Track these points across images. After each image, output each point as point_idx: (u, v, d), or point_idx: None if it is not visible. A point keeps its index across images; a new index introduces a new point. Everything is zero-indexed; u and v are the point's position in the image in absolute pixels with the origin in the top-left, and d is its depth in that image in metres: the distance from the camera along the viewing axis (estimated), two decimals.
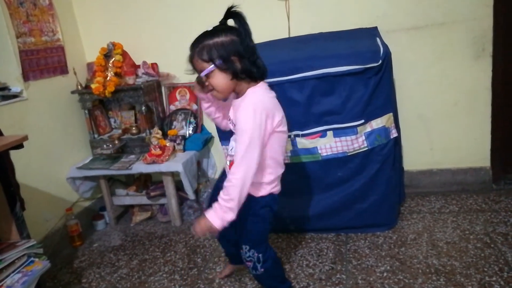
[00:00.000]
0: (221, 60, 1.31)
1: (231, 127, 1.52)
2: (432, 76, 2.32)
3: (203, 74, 1.34)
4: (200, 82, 1.39)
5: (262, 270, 1.55)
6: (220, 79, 1.34)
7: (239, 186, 1.32)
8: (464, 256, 1.85)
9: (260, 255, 1.53)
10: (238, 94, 1.42)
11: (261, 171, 1.43)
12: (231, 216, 1.34)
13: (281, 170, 1.51)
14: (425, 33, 2.26)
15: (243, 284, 1.89)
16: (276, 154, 1.45)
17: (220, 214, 1.34)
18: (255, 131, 1.32)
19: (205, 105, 1.58)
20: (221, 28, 1.34)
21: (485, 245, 1.90)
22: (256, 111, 1.32)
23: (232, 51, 1.32)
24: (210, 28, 1.35)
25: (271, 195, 1.50)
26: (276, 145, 1.43)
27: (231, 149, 1.49)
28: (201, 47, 1.32)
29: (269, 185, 1.49)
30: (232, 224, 1.40)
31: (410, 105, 2.37)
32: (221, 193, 1.35)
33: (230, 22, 1.37)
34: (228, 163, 1.52)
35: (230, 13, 1.34)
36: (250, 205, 1.45)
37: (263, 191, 1.49)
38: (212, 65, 1.31)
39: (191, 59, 1.35)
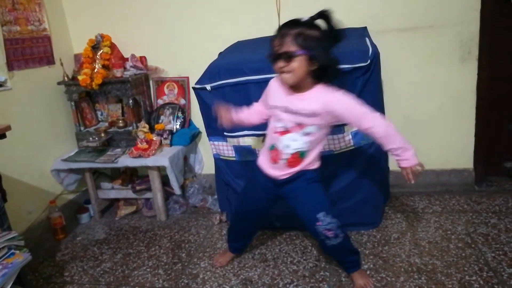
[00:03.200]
0: (313, 52, 1.42)
1: (281, 114, 1.58)
2: (419, 78, 2.35)
3: (298, 52, 1.42)
4: (277, 58, 1.46)
5: (343, 235, 1.66)
6: (302, 67, 1.44)
7: (392, 128, 1.49)
8: (446, 256, 1.88)
9: (336, 219, 1.64)
10: (299, 88, 1.52)
11: (320, 146, 1.63)
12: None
13: None
14: (414, 35, 2.29)
15: (227, 279, 1.89)
16: None
17: (409, 151, 1.51)
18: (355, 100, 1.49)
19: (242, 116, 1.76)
20: (316, 24, 1.46)
21: (466, 245, 1.94)
22: (346, 94, 1.50)
23: (323, 49, 1.44)
24: (305, 18, 1.47)
25: (318, 168, 1.68)
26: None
27: (286, 146, 1.60)
28: (300, 32, 1.42)
29: (318, 160, 1.67)
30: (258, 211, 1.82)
31: (397, 106, 2.39)
32: (389, 144, 1.51)
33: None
34: (288, 156, 1.61)
35: (323, 15, 1.47)
36: (308, 176, 1.64)
37: (316, 165, 1.66)
38: (304, 51, 1.41)
39: (284, 37, 1.43)
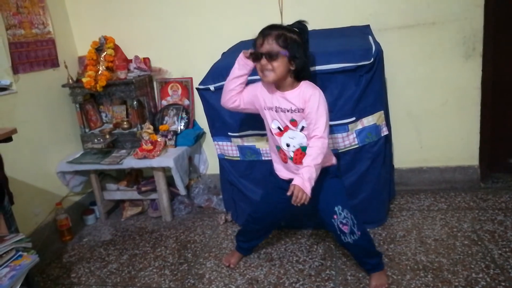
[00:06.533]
0: (293, 53, 1.54)
1: (274, 114, 1.67)
2: (423, 75, 2.34)
3: (280, 51, 1.52)
4: (259, 57, 1.56)
5: (359, 232, 1.68)
6: (282, 66, 1.54)
7: (323, 152, 1.55)
8: (452, 253, 1.87)
9: (353, 216, 1.67)
10: (282, 87, 1.63)
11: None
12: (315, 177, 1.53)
13: None
14: (417, 32, 2.28)
15: (233, 279, 1.89)
16: None
17: (310, 175, 1.52)
18: (327, 110, 1.58)
19: (239, 72, 1.68)
20: (293, 29, 1.59)
21: (472, 243, 1.93)
22: (321, 96, 1.58)
23: (301, 50, 1.56)
24: (283, 24, 1.62)
25: (334, 164, 1.76)
26: None
27: (287, 145, 1.67)
28: (280, 33, 1.53)
29: (331, 156, 1.75)
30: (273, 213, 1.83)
31: (401, 104, 2.38)
32: (307, 159, 1.54)
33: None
34: (291, 154, 1.68)
35: (299, 23, 1.61)
36: (327, 173, 1.70)
37: (330, 161, 1.74)
38: (285, 51, 1.53)
39: (267, 37, 1.54)
